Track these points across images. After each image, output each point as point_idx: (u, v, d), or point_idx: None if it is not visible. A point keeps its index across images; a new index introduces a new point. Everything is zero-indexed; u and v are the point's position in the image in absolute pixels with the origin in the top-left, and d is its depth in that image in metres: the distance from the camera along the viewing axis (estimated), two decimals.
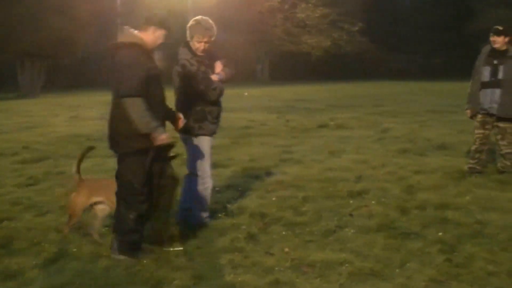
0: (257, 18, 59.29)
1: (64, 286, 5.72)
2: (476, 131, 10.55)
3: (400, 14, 72.31)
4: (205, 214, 7.79)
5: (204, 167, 7.67)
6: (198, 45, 7.47)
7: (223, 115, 7.81)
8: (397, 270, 6.07)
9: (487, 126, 10.45)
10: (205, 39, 7.46)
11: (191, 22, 7.56)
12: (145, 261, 6.37)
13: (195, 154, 7.60)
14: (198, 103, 7.48)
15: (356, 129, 17.94)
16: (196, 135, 7.53)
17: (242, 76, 52.81)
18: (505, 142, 10.38)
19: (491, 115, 10.34)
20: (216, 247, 6.86)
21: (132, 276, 5.98)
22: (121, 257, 6.43)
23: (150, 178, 6.40)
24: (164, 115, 6.61)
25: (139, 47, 6.26)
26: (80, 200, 7.02)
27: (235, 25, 56.61)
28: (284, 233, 7.36)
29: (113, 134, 6.38)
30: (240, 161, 12.20)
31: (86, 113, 24.15)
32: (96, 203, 7.10)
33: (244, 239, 7.09)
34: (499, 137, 10.44)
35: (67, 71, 48.07)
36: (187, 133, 7.50)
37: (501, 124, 10.34)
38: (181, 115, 6.91)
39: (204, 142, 7.60)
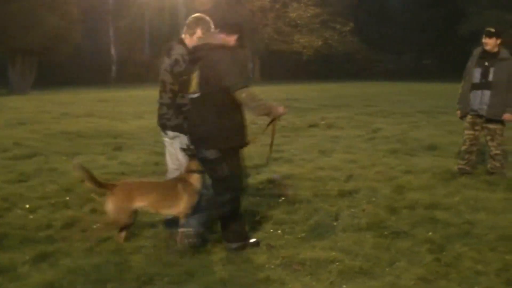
0: (248, 17, 59.28)
1: (56, 282, 5.73)
2: (466, 132, 10.62)
3: (390, 14, 72.35)
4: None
5: None
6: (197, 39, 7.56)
7: None
8: (386, 269, 6.11)
9: (476, 127, 10.52)
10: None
11: (197, 16, 7.64)
12: (136, 258, 6.43)
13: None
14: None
15: (347, 129, 17.98)
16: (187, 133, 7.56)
17: None
18: (495, 143, 10.45)
19: (480, 116, 10.41)
20: (208, 244, 6.88)
21: (123, 273, 6.00)
22: (237, 245, 6.78)
23: None
24: None
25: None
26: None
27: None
28: (273, 231, 7.39)
29: (214, 131, 6.60)
30: None
31: (77, 110, 24.13)
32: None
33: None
34: (488, 138, 10.51)
35: (58, 67, 47.96)
36: (178, 130, 7.52)
37: (490, 126, 10.41)
38: None
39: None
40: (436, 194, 9.21)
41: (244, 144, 6.82)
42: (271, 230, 7.41)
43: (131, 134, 16.87)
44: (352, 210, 8.34)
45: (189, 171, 7.12)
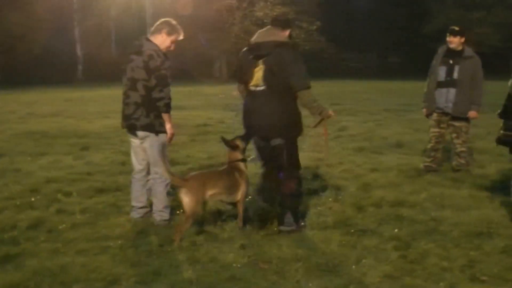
0: (215, 16, 59.12)
1: (21, 284, 5.69)
2: (432, 130, 10.72)
3: (356, 13, 72.58)
4: (167, 211, 7.79)
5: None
6: (170, 45, 7.59)
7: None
8: (353, 266, 6.15)
9: (442, 125, 10.61)
10: (176, 40, 7.64)
11: (170, 21, 7.66)
12: (103, 258, 6.39)
13: (156, 152, 7.55)
14: None
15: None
16: (157, 132, 7.52)
17: (199, 74, 52.73)
18: (460, 141, 10.55)
19: (446, 114, 10.50)
20: (176, 244, 6.87)
21: (89, 273, 5.97)
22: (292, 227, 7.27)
23: None
24: None
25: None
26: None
27: (192, 22, 56.46)
28: (240, 229, 7.38)
29: (282, 121, 7.35)
30: (198, 159, 12.20)
31: (42, 110, 23.94)
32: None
33: (202, 235, 7.11)
34: (454, 135, 10.60)
35: (23, 67, 47.50)
36: (148, 130, 7.48)
37: (456, 123, 10.50)
38: None
39: (163, 139, 7.59)
40: (402, 192, 9.27)
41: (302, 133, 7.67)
42: (238, 229, 7.40)
43: (97, 133, 16.75)
44: (319, 208, 8.38)
45: (235, 160, 7.51)
